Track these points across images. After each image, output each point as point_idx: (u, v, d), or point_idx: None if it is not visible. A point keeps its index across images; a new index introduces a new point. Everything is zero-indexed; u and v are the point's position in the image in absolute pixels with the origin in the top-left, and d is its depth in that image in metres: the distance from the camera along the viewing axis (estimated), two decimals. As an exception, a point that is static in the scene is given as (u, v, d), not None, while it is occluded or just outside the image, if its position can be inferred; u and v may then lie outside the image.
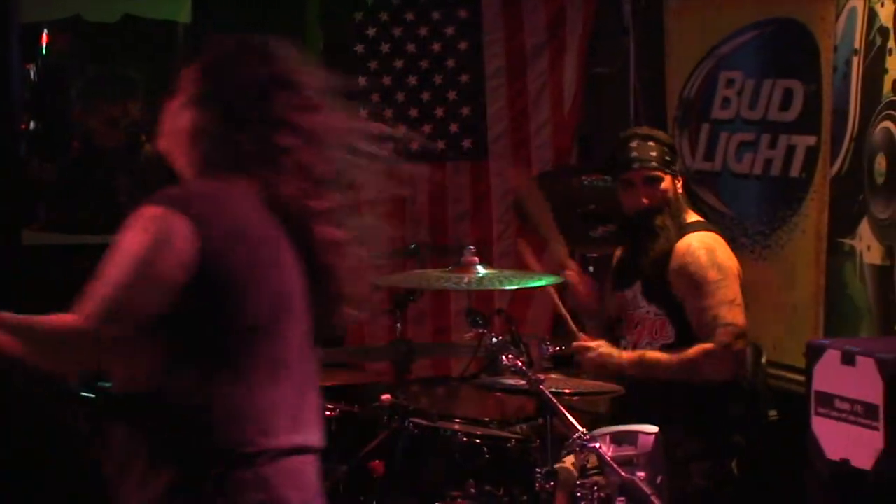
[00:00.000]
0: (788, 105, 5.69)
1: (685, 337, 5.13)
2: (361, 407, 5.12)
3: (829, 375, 4.29)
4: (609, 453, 4.16)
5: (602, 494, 4.17)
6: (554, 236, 5.57)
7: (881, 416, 4.09)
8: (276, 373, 2.92)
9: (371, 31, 7.27)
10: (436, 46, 7.26)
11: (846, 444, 4.21)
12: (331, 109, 3.05)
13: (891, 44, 5.02)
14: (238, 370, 2.87)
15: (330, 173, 3.01)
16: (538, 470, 4.37)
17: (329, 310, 3.07)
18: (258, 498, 2.87)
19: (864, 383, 4.14)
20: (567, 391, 4.64)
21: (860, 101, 5.19)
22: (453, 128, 7.28)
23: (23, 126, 7.34)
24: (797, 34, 5.62)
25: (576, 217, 5.89)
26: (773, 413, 5.29)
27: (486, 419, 5.05)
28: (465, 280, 4.90)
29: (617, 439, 4.29)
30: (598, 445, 4.11)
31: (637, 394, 5.08)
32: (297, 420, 2.96)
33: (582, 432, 4.11)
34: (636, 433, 4.32)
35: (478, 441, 4.77)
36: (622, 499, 4.09)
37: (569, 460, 4.31)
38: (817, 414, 4.33)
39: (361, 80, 7.25)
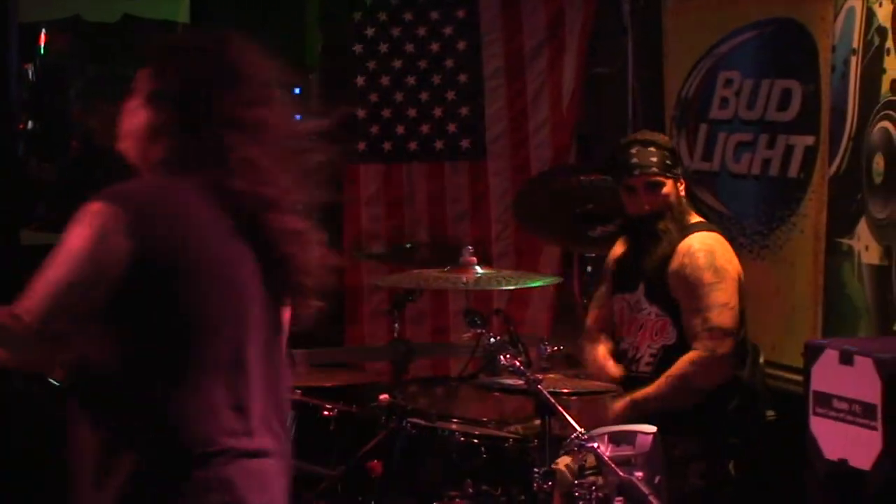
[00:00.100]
0: (787, 105, 5.69)
1: (686, 338, 5.13)
2: (360, 407, 5.12)
3: (828, 375, 4.29)
4: (607, 453, 4.16)
5: (600, 494, 4.17)
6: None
7: (879, 415, 4.09)
8: (232, 373, 2.91)
9: (370, 31, 7.27)
10: (434, 46, 7.26)
11: (844, 443, 4.21)
12: (280, 104, 3.06)
13: (889, 44, 5.02)
14: (189, 368, 2.87)
15: (279, 167, 3.01)
16: (536, 470, 4.37)
17: (293, 303, 3.06)
18: (221, 499, 2.86)
19: (862, 383, 4.15)
20: (565, 391, 4.64)
21: (858, 101, 5.19)
22: (452, 128, 7.28)
23: (21, 126, 7.34)
24: (795, 34, 5.62)
25: (574, 217, 5.89)
26: (770, 413, 5.29)
27: (484, 419, 5.05)
28: (464, 280, 4.90)
29: (615, 439, 4.29)
30: (596, 445, 4.11)
31: (634, 393, 5.09)
32: (259, 422, 2.95)
33: (580, 432, 4.11)
34: (634, 433, 4.32)
35: (476, 441, 4.77)
36: (620, 499, 4.10)
37: (567, 460, 4.31)
38: (816, 414, 4.33)
39: (360, 80, 7.26)
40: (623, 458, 4.20)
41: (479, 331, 4.61)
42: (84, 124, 7.38)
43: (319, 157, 3.09)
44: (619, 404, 5.12)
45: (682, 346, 5.13)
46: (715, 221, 5.63)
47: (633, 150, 5.23)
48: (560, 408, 4.25)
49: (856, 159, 5.19)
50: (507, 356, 4.41)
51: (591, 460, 4.21)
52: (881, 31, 5.06)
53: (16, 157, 7.17)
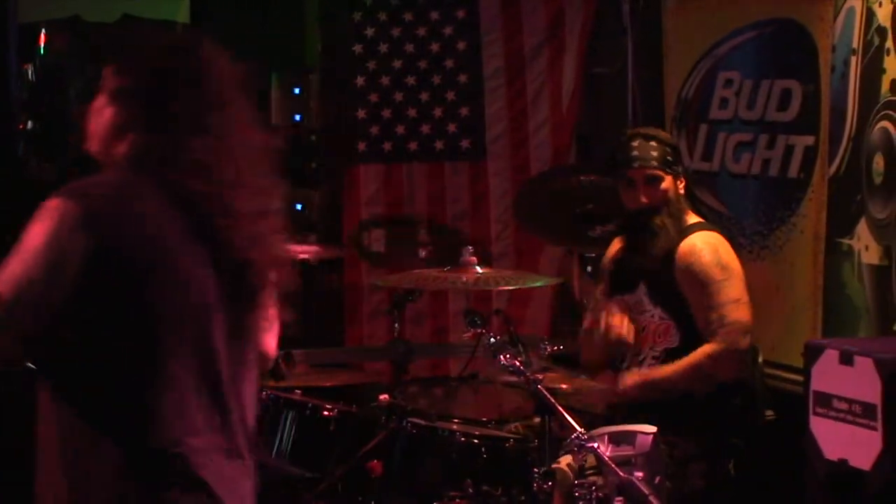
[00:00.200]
0: (786, 105, 5.69)
1: (690, 341, 5.13)
2: (360, 407, 5.12)
3: (828, 375, 4.29)
4: (607, 453, 4.16)
5: (600, 494, 4.17)
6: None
7: (879, 415, 4.09)
8: (198, 373, 2.91)
9: (370, 32, 7.27)
10: (434, 47, 7.26)
11: (844, 444, 4.21)
12: (244, 106, 3.06)
13: (888, 44, 5.02)
14: (155, 367, 2.87)
15: (241, 168, 3.01)
16: (536, 470, 4.37)
17: (249, 305, 3.04)
18: (194, 499, 2.87)
19: (862, 383, 4.14)
20: (564, 385, 4.64)
21: (858, 101, 5.19)
22: (452, 128, 7.28)
23: (21, 126, 7.34)
24: (795, 34, 5.62)
25: (574, 217, 5.89)
26: (770, 413, 5.30)
27: (484, 419, 5.05)
28: (464, 280, 4.90)
29: (615, 439, 4.29)
30: (596, 445, 4.11)
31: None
32: (227, 422, 2.95)
33: (580, 432, 4.11)
34: (634, 433, 4.32)
35: (476, 441, 4.77)
36: (620, 499, 4.09)
37: (567, 460, 4.31)
38: (815, 414, 4.33)
39: (360, 80, 7.26)
40: (623, 459, 4.20)
41: (478, 331, 4.61)
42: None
43: (281, 160, 3.08)
44: (632, 379, 5.14)
45: (685, 350, 5.13)
46: (715, 222, 5.63)
47: (635, 143, 5.24)
48: (560, 408, 4.25)
49: (856, 159, 5.19)
50: (507, 356, 4.41)
51: (591, 460, 4.21)
52: (881, 32, 5.06)
53: (16, 157, 7.17)
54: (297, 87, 7.72)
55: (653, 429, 4.34)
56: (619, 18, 6.79)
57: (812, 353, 4.38)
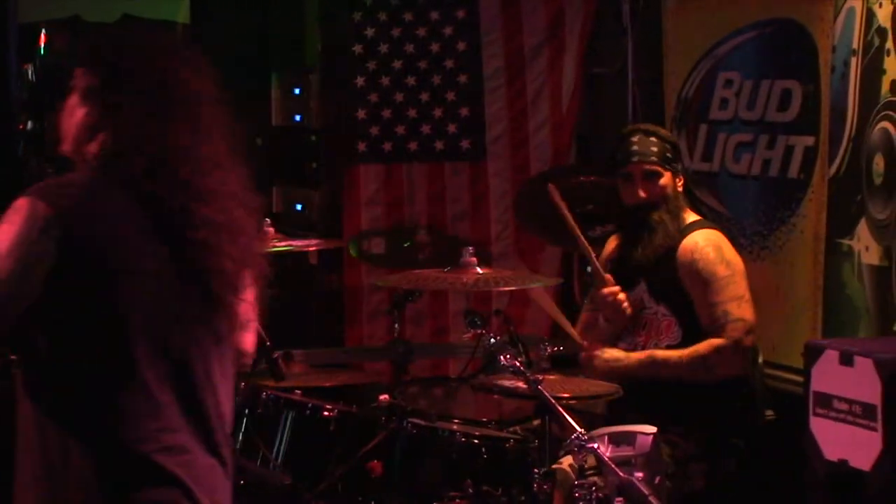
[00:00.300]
0: (786, 105, 5.69)
1: (692, 337, 5.14)
2: (360, 407, 5.12)
3: (828, 376, 4.29)
4: (607, 454, 4.16)
5: (600, 495, 4.17)
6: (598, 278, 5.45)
7: (879, 416, 4.09)
8: (172, 373, 2.92)
9: (370, 32, 7.27)
10: (434, 47, 7.26)
11: (845, 444, 4.21)
12: (211, 110, 3.06)
13: (889, 44, 5.02)
14: (129, 366, 2.88)
15: (210, 165, 3.01)
16: (536, 470, 4.37)
17: (221, 303, 3.05)
18: (170, 497, 2.88)
19: (862, 384, 4.14)
20: (565, 393, 4.64)
21: (858, 102, 5.19)
22: (452, 128, 7.28)
23: (21, 126, 7.34)
24: (795, 34, 5.62)
25: (574, 217, 5.88)
26: (770, 413, 5.30)
27: (485, 420, 5.05)
28: (464, 281, 4.90)
29: (615, 440, 4.29)
30: (596, 446, 4.11)
31: (635, 395, 5.08)
32: (202, 421, 2.96)
33: (580, 433, 4.11)
34: (634, 434, 4.32)
35: (476, 441, 4.78)
36: (620, 499, 4.09)
37: (567, 461, 4.31)
38: (816, 414, 4.33)
39: (360, 81, 7.26)
40: (623, 459, 4.20)
41: (478, 331, 4.61)
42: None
43: (248, 155, 3.08)
44: (637, 355, 5.15)
45: (686, 346, 5.13)
46: (715, 222, 5.63)
47: (635, 139, 5.25)
48: (560, 408, 4.25)
49: (856, 160, 5.19)
50: (508, 356, 4.41)
51: (591, 461, 4.21)
52: (881, 32, 5.06)
53: (16, 157, 7.18)
54: (297, 87, 7.72)
55: (653, 429, 4.35)
56: (619, 18, 6.79)
57: (812, 354, 4.38)
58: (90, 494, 2.86)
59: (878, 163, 5.07)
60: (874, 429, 4.11)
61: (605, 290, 5.26)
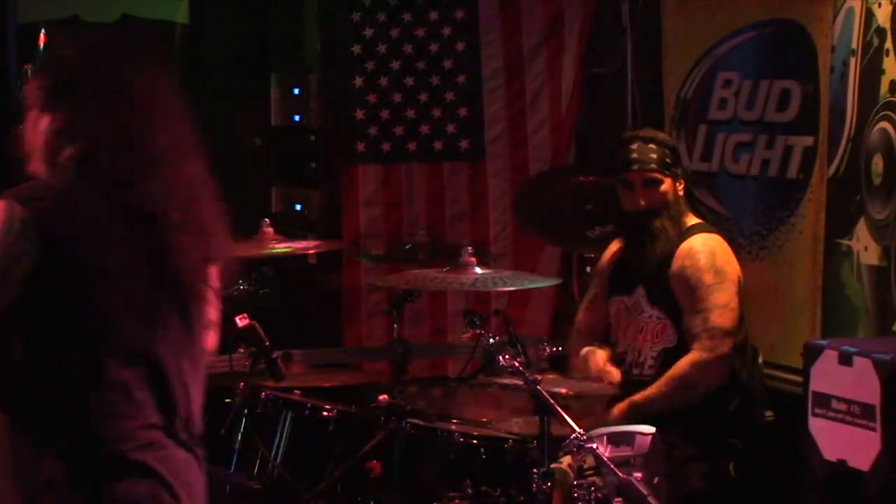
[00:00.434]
0: (786, 106, 5.69)
1: (686, 340, 5.13)
2: (359, 407, 5.12)
3: (827, 376, 4.29)
4: (606, 454, 4.16)
5: (599, 495, 4.17)
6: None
7: (878, 416, 4.09)
8: (138, 372, 2.93)
9: (368, 32, 7.27)
10: (433, 47, 7.26)
11: (843, 444, 4.21)
12: (173, 114, 3.06)
13: (888, 44, 5.02)
14: (94, 369, 2.89)
15: (172, 165, 3.01)
16: (535, 470, 4.37)
17: (192, 304, 3.05)
18: (148, 490, 2.89)
19: (861, 384, 4.14)
20: (564, 391, 4.64)
21: (857, 102, 5.19)
22: (450, 128, 7.28)
23: (21, 126, 7.32)
24: (794, 35, 5.62)
25: (573, 217, 5.89)
26: (769, 413, 5.30)
27: (484, 420, 5.05)
28: (462, 281, 4.90)
29: (614, 440, 4.29)
30: (595, 446, 4.11)
31: (634, 395, 5.09)
32: (170, 420, 2.98)
33: (579, 433, 4.11)
34: (633, 434, 4.32)
35: (475, 441, 4.78)
36: (619, 499, 4.10)
37: (566, 461, 4.31)
38: (814, 414, 4.33)
39: (359, 81, 7.26)
40: (622, 459, 4.20)
41: (477, 331, 4.62)
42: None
43: (207, 153, 3.08)
44: (618, 408, 5.12)
45: (681, 349, 5.13)
46: (714, 222, 5.63)
47: (634, 146, 5.24)
48: (559, 408, 4.25)
49: (855, 160, 5.19)
50: (507, 357, 4.41)
51: (589, 461, 4.21)
52: (880, 32, 5.06)
53: (15, 157, 7.16)
54: (296, 87, 7.72)
55: (651, 429, 4.35)
56: (618, 19, 6.78)
57: (811, 354, 4.38)
58: (62, 496, 2.86)
59: (877, 163, 5.07)
60: (873, 429, 4.11)
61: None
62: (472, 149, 7.27)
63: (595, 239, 5.76)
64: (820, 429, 4.31)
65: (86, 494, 2.87)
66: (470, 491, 4.65)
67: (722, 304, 5.08)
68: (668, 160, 5.23)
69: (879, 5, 5.07)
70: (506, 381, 4.62)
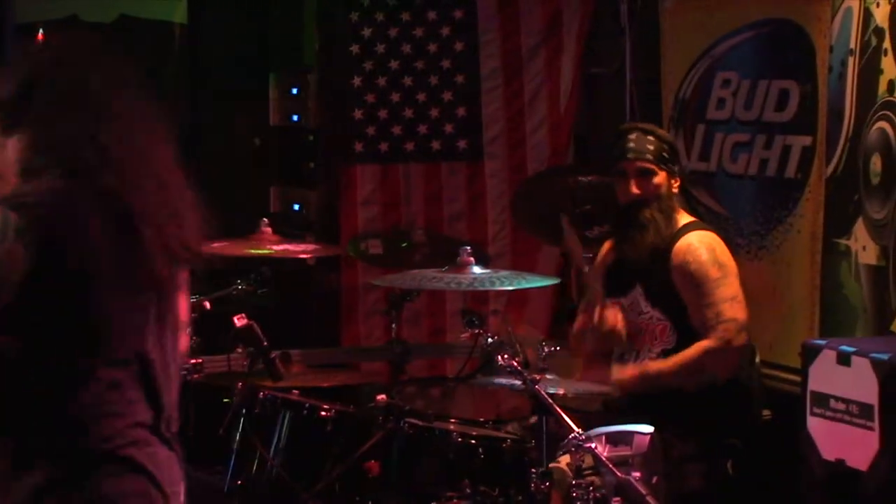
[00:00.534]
0: (784, 105, 5.69)
1: (686, 341, 5.14)
2: (357, 407, 5.12)
3: (825, 375, 4.29)
4: (605, 453, 4.16)
5: (597, 495, 4.17)
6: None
7: (877, 416, 4.10)
8: (131, 372, 2.94)
9: (367, 32, 7.26)
10: (431, 47, 7.26)
11: (842, 444, 4.21)
12: (139, 125, 3.05)
13: (886, 44, 5.02)
14: (89, 370, 2.89)
15: (145, 177, 3.01)
16: (533, 470, 4.37)
17: (171, 304, 3.06)
18: (138, 485, 2.90)
19: (859, 383, 4.15)
20: (562, 391, 4.64)
21: (856, 102, 5.19)
22: (449, 128, 7.28)
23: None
24: (793, 34, 5.62)
25: (572, 217, 5.89)
26: (767, 413, 5.30)
27: (482, 419, 5.05)
28: (461, 281, 4.90)
29: (612, 439, 4.29)
30: (593, 445, 4.11)
31: (632, 395, 5.09)
32: (157, 418, 2.99)
33: (578, 432, 4.11)
34: (632, 433, 4.33)
35: (473, 441, 4.78)
36: (618, 499, 4.10)
37: (564, 460, 4.32)
38: (813, 414, 4.33)
39: (357, 81, 7.26)
40: (620, 459, 4.20)
41: (476, 331, 4.62)
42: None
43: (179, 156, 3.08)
44: (629, 371, 5.15)
45: (681, 350, 5.13)
46: (712, 222, 5.64)
47: (632, 136, 5.26)
48: (557, 408, 4.25)
49: (853, 160, 5.19)
50: (505, 356, 4.42)
51: (588, 461, 4.21)
52: (878, 32, 5.07)
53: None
54: (294, 87, 7.72)
55: (650, 429, 4.35)
56: (616, 18, 6.79)
57: (809, 354, 4.38)
58: (60, 497, 2.87)
59: (876, 162, 5.08)
60: (871, 428, 4.11)
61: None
62: (470, 149, 7.27)
63: (594, 239, 5.76)
64: (818, 428, 4.31)
65: (80, 493, 2.88)
66: (468, 491, 4.65)
67: (731, 297, 5.11)
68: (664, 154, 5.24)
69: (878, 5, 5.07)
70: (504, 381, 4.63)
